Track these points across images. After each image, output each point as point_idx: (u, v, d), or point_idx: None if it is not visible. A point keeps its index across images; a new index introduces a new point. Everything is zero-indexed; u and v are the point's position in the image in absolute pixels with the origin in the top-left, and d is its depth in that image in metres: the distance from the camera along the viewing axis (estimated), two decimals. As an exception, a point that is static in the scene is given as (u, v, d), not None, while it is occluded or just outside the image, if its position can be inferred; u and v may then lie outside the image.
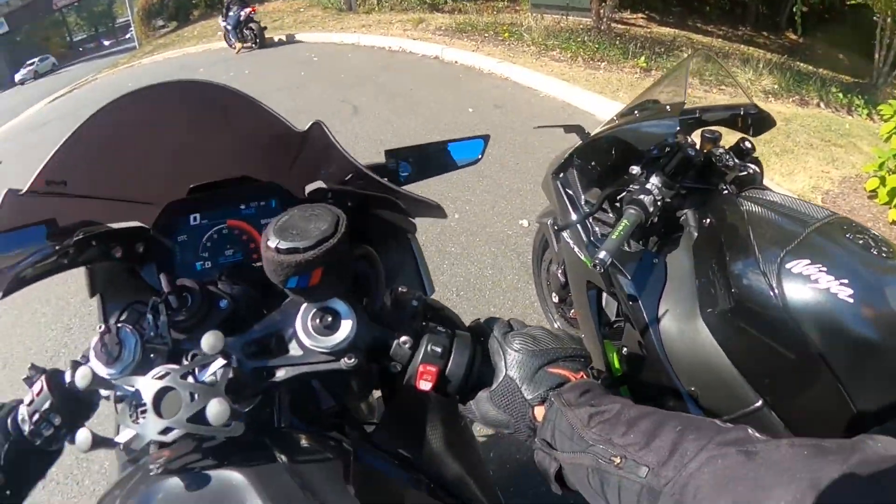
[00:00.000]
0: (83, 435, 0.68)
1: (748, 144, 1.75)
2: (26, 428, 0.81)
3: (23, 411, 0.82)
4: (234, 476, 0.67)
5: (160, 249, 1.08)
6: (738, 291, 1.37)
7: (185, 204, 1.11)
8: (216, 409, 0.66)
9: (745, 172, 1.71)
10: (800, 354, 1.27)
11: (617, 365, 1.84)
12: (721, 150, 1.70)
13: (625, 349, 1.79)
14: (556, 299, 2.52)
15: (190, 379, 0.72)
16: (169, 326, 0.85)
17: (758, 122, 1.88)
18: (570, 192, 1.92)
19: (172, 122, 0.97)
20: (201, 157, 1.08)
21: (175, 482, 0.67)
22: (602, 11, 9.70)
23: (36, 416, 0.81)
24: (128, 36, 33.74)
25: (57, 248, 0.95)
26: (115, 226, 1.07)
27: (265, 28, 12.71)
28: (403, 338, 0.78)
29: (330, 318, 0.76)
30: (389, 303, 0.84)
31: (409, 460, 0.92)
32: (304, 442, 0.79)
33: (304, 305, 0.78)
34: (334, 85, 8.31)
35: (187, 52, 15.14)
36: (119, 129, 0.91)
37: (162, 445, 0.74)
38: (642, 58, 7.53)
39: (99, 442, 0.69)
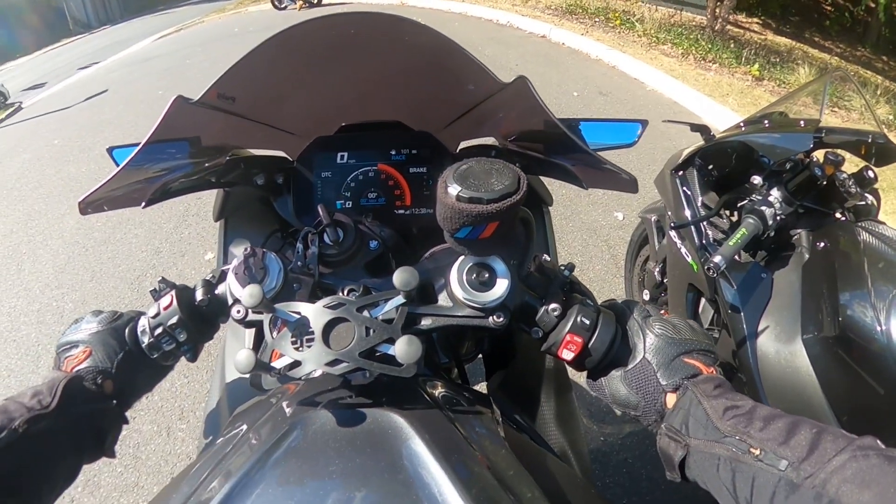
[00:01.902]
0: (244, 355, 0.66)
1: (871, 174, 1.71)
2: (145, 340, 0.83)
3: (144, 323, 0.84)
4: (391, 416, 0.65)
5: (300, 182, 1.10)
6: (843, 320, 1.35)
7: (333, 141, 1.11)
8: (407, 347, 0.66)
9: (864, 202, 1.69)
10: (893, 396, 1.25)
11: None
12: (844, 176, 1.68)
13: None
14: (647, 297, 2.50)
15: (366, 313, 0.71)
16: (323, 257, 0.87)
17: (883, 152, 1.80)
18: (688, 191, 1.92)
19: (347, 53, 0.95)
20: (356, 97, 1.07)
21: (326, 416, 0.66)
22: (718, 11, 9.37)
23: (159, 330, 0.83)
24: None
25: (207, 164, 0.98)
26: (260, 153, 1.10)
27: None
28: (553, 305, 0.78)
29: (486, 275, 0.77)
30: (533, 269, 0.84)
31: (521, 425, 0.91)
32: (447, 391, 0.78)
33: (462, 258, 0.78)
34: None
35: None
36: (291, 55, 0.90)
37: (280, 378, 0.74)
38: (755, 65, 7.26)
39: (259, 365, 0.67)
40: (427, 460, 0.58)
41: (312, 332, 0.70)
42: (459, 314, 0.76)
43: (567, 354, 0.77)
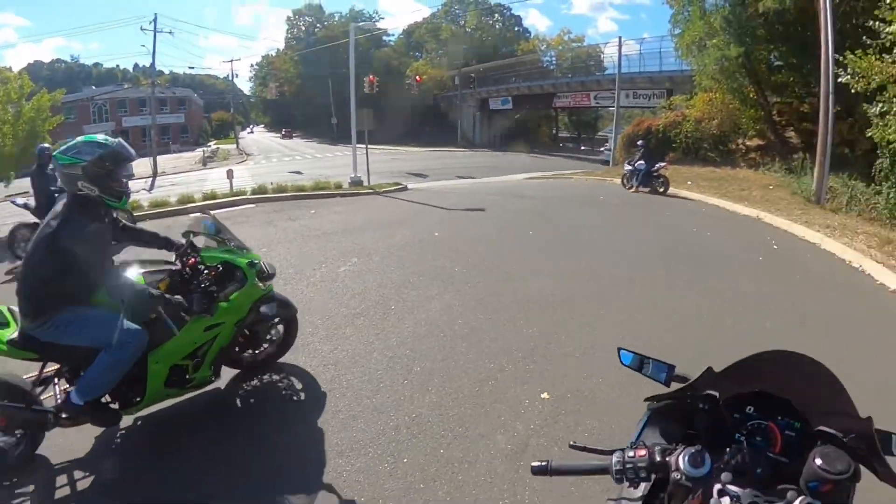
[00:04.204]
0: None
1: None
2: (619, 466, 1.44)
3: (619, 457, 1.46)
4: None
5: (717, 413, 1.62)
6: None
7: (747, 397, 1.67)
8: None
9: None
10: None
11: None
12: None
13: None
14: None
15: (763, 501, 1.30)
16: (741, 470, 1.42)
17: None
18: None
19: (785, 364, 1.57)
20: (771, 379, 1.64)
21: None
22: None
23: (630, 465, 1.43)
24: (602, 150, 37.67)
25: (688, 396, 1.64)
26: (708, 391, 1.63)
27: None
28: None
29: None
30: None
31: None
32: None
33: (803, 496, 1.28)
34: (787, 283, 7.99)
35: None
36: (764, 360, 1.54)
37: None
38: None
39: None
40: None
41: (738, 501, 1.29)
42: None
43: None
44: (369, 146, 18.63)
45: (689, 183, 17.57)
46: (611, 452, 1.49)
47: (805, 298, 7.42)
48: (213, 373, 4.13)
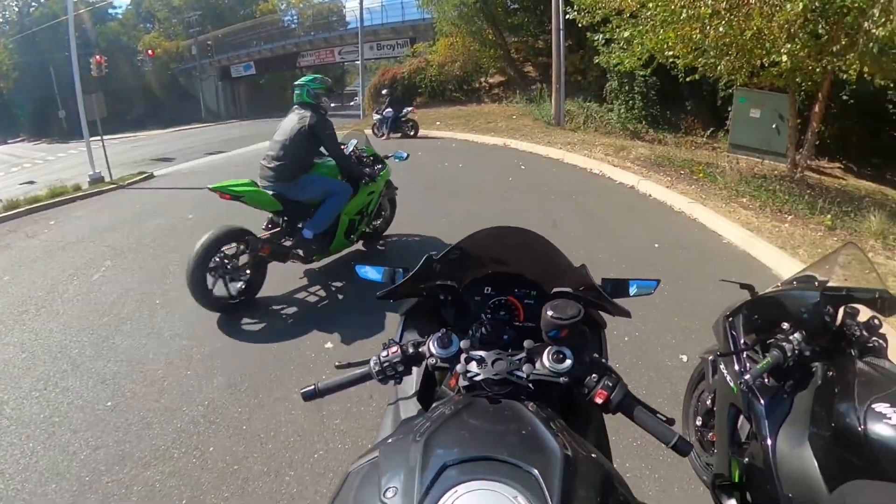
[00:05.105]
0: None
1: (877, 322, 2.18)
2: (377, 368, 1.51)
3: (375, 359, 1.53)
4: (516, 404, 1.28)
5: (461, 300, 1.77)
6: (836, 423, 1.84)
7: (484, 279, 1.87)
8: (528, 370, 1.38)
9: (872, 344, 2.13)
10: (867, 469, 1.72)
11: (737, 475, 2.27)
12: (853, 323, 2.19)
13: (746, 460, 2.23)
14: (699, 423, 2.92)
15: (507, 358, 1.41)
16: (480, 338, 1.65)
17: (887, 304, 2.23)
18: (735, 333, 2.46)
19: (505, 242, 1.77)
20: (499, 258, 1.82)
21: (484, 402, 1.31)
22: (798, 159, 9.69)
23: (386, 363, 1.51)
24: (352, 103, 37.39)
25: (421, 286, 1.74)
26: (445, 282, 1.79)
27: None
28: (594, 375, 1.41)
29: (561, 356, 1.41)
30: (588, 358, 1.45)
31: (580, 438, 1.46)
32: (536, 405, 1.34)
33: (550, 347, 1.44)
34: (537, 196, 9.34)
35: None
36: (482, 238, 1.70)
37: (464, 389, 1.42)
38: (829, 216, 7.37)
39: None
40: (533, 419, 1.20)
41: (485, 362, 1.39)
42: (545, 374, 1.40)
43: (598, 400, 1.37)
44: (106, 137, 16.44)
45: (437, 123, 18.74)
46: (369, 361, 1.56)
47: (553, 205, 8.68)
48: (365, 231, 6.55)
